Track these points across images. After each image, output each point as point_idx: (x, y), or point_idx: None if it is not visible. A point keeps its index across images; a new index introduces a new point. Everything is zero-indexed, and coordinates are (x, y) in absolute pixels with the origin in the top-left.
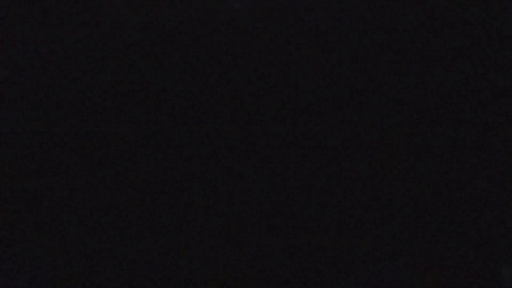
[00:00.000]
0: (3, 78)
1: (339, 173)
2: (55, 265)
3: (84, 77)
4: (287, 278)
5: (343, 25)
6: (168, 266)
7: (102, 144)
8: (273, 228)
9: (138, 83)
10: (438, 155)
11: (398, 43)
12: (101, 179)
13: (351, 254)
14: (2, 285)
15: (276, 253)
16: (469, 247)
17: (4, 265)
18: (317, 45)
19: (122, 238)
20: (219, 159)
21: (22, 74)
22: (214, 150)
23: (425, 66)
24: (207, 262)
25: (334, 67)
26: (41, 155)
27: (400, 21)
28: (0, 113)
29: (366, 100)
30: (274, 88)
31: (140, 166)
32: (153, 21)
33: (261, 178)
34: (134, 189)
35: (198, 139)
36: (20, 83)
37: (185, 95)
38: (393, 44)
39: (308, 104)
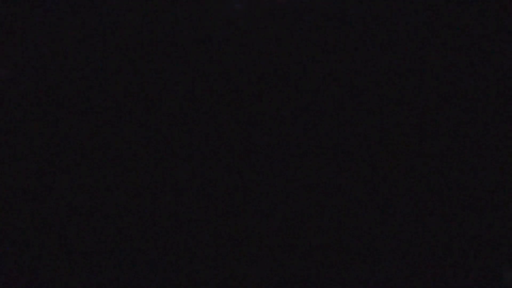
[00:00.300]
0: (3, 78)
1: (339, 173)
2: (55, 265)
3: (84, 77)
4: (287, 278)
5: (347, 26)
6: (168, 266)
7: (103, 144)
8: (273, 228)
9: (139, 84)
10: (439, 155)
11: (399, 43)
12: (102, 179)
13: (351, 254)
14: (3, 285)
15: (276, 253)
16: (470, 248)
17: (4, 265)
18: (320, 45)
19: (122, 238)
20: (219, 159)
21: (22, 74)
22: (215, 150)
23: (425, 66)
24: (207, 262)
25: (338, 68)
26: (41, 156)
27: (401, 21)
28: (0, 113)
29: (367, 100)
30: (276, 89)
31: (140, 166)
32: (153, 21)
33: (261, 178)
34: (134, 189)
35: (199, 140)
36: (20, 84)
37: (186, 96)
38: (394, 45)
39: (312, 104)
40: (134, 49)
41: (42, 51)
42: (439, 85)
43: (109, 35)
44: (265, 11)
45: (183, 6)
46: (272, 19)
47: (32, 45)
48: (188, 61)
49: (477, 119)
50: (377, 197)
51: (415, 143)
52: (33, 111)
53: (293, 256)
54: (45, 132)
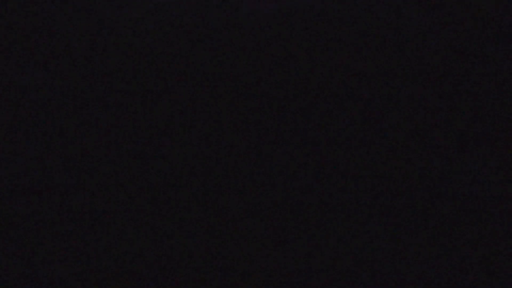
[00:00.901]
0: (39, 80)
1: (339, 173)
2: (56, 265)
3: (88, 79)
4: (288, 278)
5: (355, 31)
6: (168, 266)
7: (104, 144)
8: (273, 228)
9: (145, 87)
10: (440, 155)
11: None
12: (103, 179)
13: (352, 254)
14: (3, 285)
15: (276, 253)
16: (475, 252)
17: (4, 265)
18: (325, 49)
19: (122, 238)
20: (219, 159)
21: (55, 76)
22: (215, 150)
23: (426, 66)
24: (207, 262)
25: (345, 72)
26: (42, 156)
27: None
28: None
29: (366, 100)
30: (280, 92)
31: (141, 166)
32: (163, 24)
33: (261, 179)
34: (135, 189)
35: (200, 141)
36: (53, 86)
37: (192, 99)
38: (411, 48)
39: (318, 106)
40: (143, 53)
41: (42, 53)
42: (439, 85)
43: (131, 42)
44: (274, 15)
45: (191, 11)
46: (281, 23)
47: (63, 48)
48: (195, 63)
49: (477, 119)
50: (378, 197)
51: (416, 143)
52: (32, 112)
53: (293, 256)
54: (46, 132)
